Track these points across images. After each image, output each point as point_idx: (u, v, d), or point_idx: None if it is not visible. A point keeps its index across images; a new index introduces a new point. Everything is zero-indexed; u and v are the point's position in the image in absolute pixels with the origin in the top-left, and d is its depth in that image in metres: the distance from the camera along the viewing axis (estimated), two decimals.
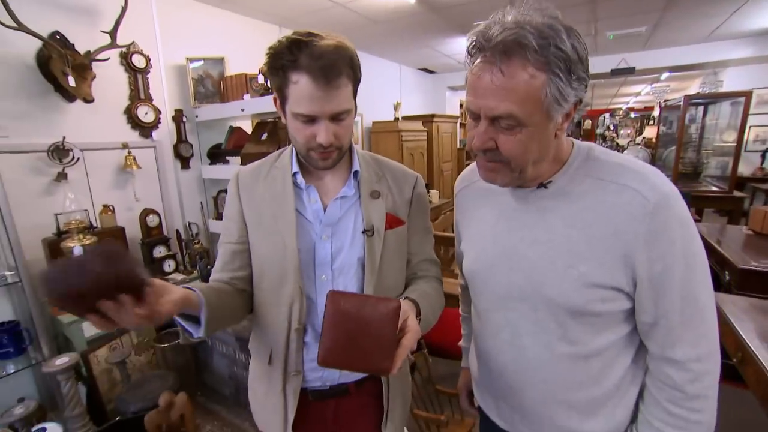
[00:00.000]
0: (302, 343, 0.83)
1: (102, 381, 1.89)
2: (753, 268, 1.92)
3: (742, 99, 4.04)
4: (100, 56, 2.01)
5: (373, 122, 4.41)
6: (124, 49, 2.15)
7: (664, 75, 6.13)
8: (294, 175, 0.84)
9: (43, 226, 1.89)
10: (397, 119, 4.48)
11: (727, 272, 2.06)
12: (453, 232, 0.89)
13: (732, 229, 2.64)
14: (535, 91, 0.56)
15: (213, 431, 1.93)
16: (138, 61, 2.22)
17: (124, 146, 2.19)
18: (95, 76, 2.01)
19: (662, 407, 0.64)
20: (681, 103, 4.46)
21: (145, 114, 2.28)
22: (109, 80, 2.13)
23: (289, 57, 0.69)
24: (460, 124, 6.37)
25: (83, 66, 1.94)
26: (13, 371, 1.70)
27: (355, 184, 0.85)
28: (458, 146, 5.83)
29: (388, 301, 0.62)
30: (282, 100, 0.75)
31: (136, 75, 2.24)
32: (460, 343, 1.06)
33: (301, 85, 0.70)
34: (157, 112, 2.34)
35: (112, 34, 2.02)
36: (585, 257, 0.63)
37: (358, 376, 0.88)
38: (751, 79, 4.95)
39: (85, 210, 2.01)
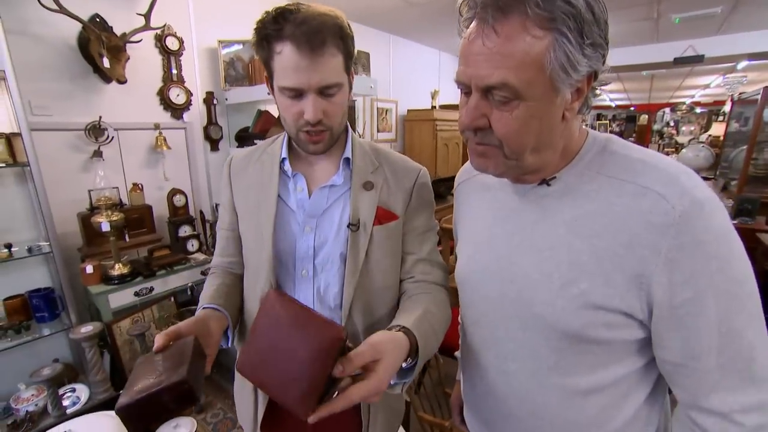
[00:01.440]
0: None
1: (124, 351, 1.98)
2: None
3: None
4: (134, 38, 2.06)
5: (408, 110, 4.30)
6: (158, 32, 2.20)
7: (741, 64, 5.45)
8: (282, 161, 0.79)
9: (79, 201, 2.00)
10: (433, 107, 4.34)
11: None
12: None
13: None
14: (537, 55, 0.45)
15: (223, 409, 1.98)
16: (171, 43, 2.26)
17: (156, 127, 2.25)
18: (129, 58, 2.07)
19: None
20: (759, 96, 3.93)
21: (176, 96, 2.33)
22: (143, 62, 2.18)
23: (273, 27, 0.65)
24: None
25: (117, 48, 2.00)
26: (47, 334, 1.82)
27: (347, 174, 0.78)
28: None
29: (328, 327, 0.49)
30: (269, 74, 0.70)
31: (169, 57, 2.28)
32: (457, 353, 0.96)
33: (284, 54, 0.65)
34: (189, 94, 2.38)
35: (147, 16, 2.06)
36: (588, 272, 0.51)
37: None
38: None
39: (115, 187, 2.09)
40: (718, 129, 6.91)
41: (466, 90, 0.52)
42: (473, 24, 0.48)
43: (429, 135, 4.11)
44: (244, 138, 2.56)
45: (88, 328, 1.77)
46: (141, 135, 2.23)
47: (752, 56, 4.42)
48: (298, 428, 0.84)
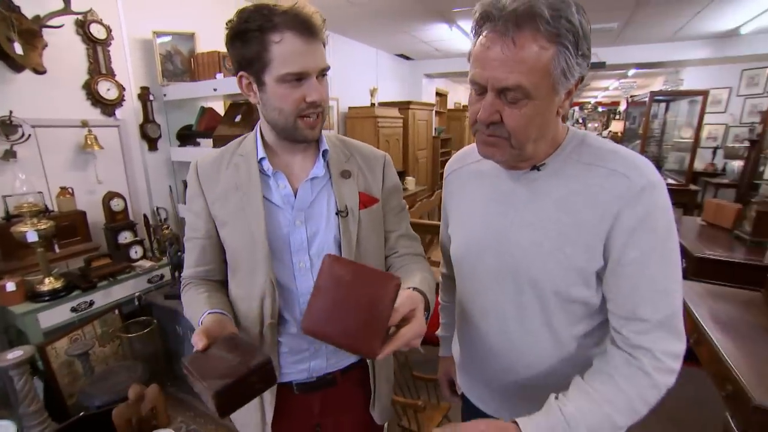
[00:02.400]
0: (276, 339, 0.81)
1: (61, 375, 1.78)
2: (707, 256, 2.06)
3: (700, 98, 4.29)
4: (51, 23, 1.83)
5: (349, 107, 4.34)
6: (80, 17, 1.98)
7: (632, 71, 6.39)
8: (260, 161, 0.80)
9: None
10: (373, 105, 4.42)
11: (684, 260, 2.20)
12: (429, 219, 0.88)
13: (688, 220, 2.82)
14: (545, 63, 0.55)
15: (185, 422, 1.88)
16: (97, 31, 2.05)
17: (84, 124, 2.03)
18: (47, 45, 1.84)
19: (615, 384, 0.60)
20: (646, 99, 4.67)
21: (107, 90, 2.12)
22: (64, 50, 1.95)
23: (264, 19, 0.66)
24: (436, 112, 6.38)
25: (32, 32, 1.77)
26: None
27: (325, 165, 0.82)
28: (434, 134, 5.85)
29: (388, 276, 0.58)
30: (260, 68, 0.70)
31: (96, 47, 2.07)
32: (439, 332, 1.06)
33: (286, 42, 0.67)
34: (121, 88, 2.18)
35: None
36: (572, 240, 0.63)
37: (344, 364, 0.87)
38: (708, 80, 5.25)
39: (40, 192, 1.86)
40: (616, 126, 8.00)
41: (480, 90, 0.60)
42: (491, 34, 0.56)
43: (371, 132, 4.19)
44: (186, 137, 2.42)
45: (17, 354, 1.55)
46: (65, 133, 1.99)
47: (640, 65, 5.23)
48: (313, 414, 0.88)
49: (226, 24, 0.72)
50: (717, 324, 1.37)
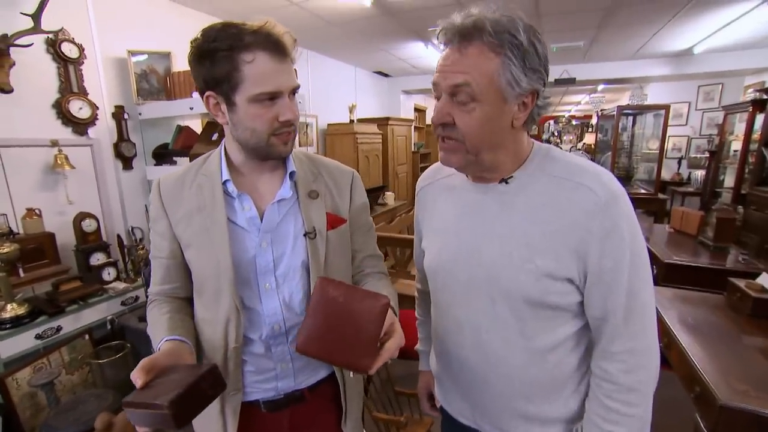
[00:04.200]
0: (241, 360, 0.80)
1: (22, 408, 1.68)
2: (675, 261, 2.16)
3: (663, 111, 4.54)
4: (20, 41, 1.80)
5: (328, 124, 4.37)
6: (51, 36, 1.95)
7: (600, 86, 6.70)
8: (225, 183, 0.78)
9: None
10: (352, 121, 4.48)
11: (654, 266, 2.29)
12: (409, 234, 0.90)
13: (658, 227, 2.95)
14: (491, 71, 0.61)
15: None
16: (69, 50, 2.02)
17: (54, 144, 1.98)
18: (14, 64, 1.80)
19: (600, 402, 0.68)
20: (615, 112, 4.91)
21: (79, 109, 2.08)
22: (34, 69, 1.91)
23: (232, 39, 0.65)
24: (415, 127, 6.50)
25: None
26: None
27: (292, 185, 0.81)
28: (413, 149, 5.95)
29: (377, 297, 0.62)
30: (230, 89, 0.68)
31: (67, 65, 2.03)
32: (417, 347, 1.06)
33: (258, 62, 0.67)
34: (94, 107, 2.14)
35: (36, 17, 1.82)
36: (541, 251, 0.66)
37: (312, 380, 0.86)
38: (669, 95, 5.56)
39: (3, 214, 1.79)
40: (589, 138, 8.31)
41: (438, 95, 0.66)
42: (447, 47, 0.64)
43: (350, 148, 4.22)
44: (163, 155, 2.38)
45: None
46: (33, 153, 1.93)
47: (608, 81, 5.50)
48: None
49: (191, 42, 0.71)
50: (685, 327, 1.43)
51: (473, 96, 0.61)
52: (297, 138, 0.82)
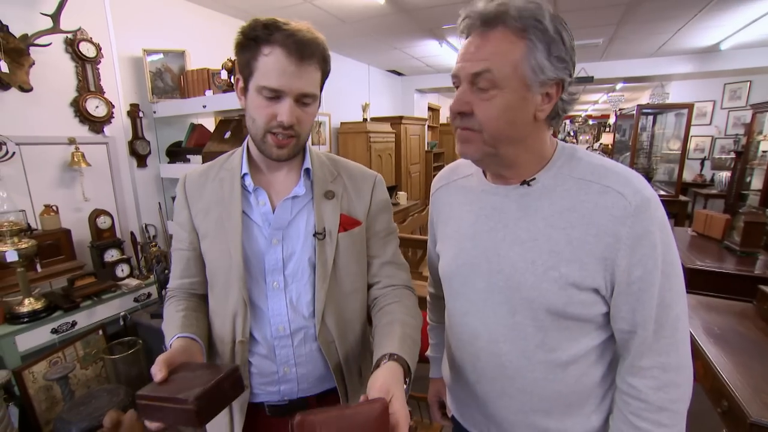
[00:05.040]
0: (247, 357, 0.79)
1: (39, 400, 1.71)
2: (698, 267, 2.06)
3: (685, 110, 4.38)
4: (39, 41, 1.83)
5: (341, 123, 4.37)
6: (69, 36, 1.98)
7: (619, 85, 6.53)
8: (243, 176, 0.80)
9: None
10: (365, 120, 4.46)
11: None
12: (421, 234, 0.86)
13: (679, 231, 2.83)
14: (514, 56, 0.58)
15: None
16: (86, 49, 2.05)
17: (71, 141, 2.01)
18: (34, 63, 1.83)
19: (627, 420, 0.63)
20: (634, 112, 4.76)
21: (95, 107, 2.11)
22: (52, 68, 1.95)
23: (264, 31, 0.68)
24: (429, 126, 6.45)
25: (19, 51, 1.77)
26: None
27: (308, 184, 0.81)
28: (426, 149, 5.89)
29: (370, 405, 0.53)
30: (248, 74, 0.72)
31: (85, 65, 2.07)
32: (428, 353, 1.02)
33: (272, 57, 0.68)
34: (110, 106, 2.17)
35: (55, 17, 1.85)
36: (566, 258, 0.62)
37: (318, 390, 0.84)
38: (692, 93, 5.38)
39: (22, 210, 1.82)
40: (606, 138, 8.12)
41: (458, 83, 0.63)
42: (467, 32, 0.61)
43: (363, 147, 4.21)
44: (176, 153, 2.40)
45: None
46: (52, 150, 1.97)
47: (626, 79, 5.34)
48: None
49: (240, 28, 0.74)
50: (710, 337, 1.36)
51: (494, 82, 0.58)
52: (310, 139, 0.80)
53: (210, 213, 0.80)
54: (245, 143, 0.83)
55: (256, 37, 0.69)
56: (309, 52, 0.69)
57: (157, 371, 0.59)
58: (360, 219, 0.84)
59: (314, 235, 0.78)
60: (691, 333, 1.39)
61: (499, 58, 0.58)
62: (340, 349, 0.81)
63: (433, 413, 1.02)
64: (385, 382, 0.59)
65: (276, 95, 0.70)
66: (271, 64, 0.68)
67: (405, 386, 0.63)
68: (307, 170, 0.81)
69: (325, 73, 0.77)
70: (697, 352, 1.32)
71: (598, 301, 0.63)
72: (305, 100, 0.72)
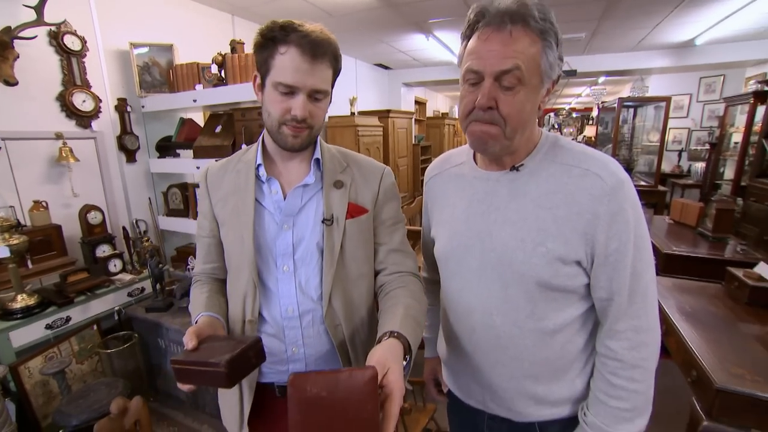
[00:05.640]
0: (257, 335, 0.84)
1: (35, 395, 1.72)
2: (674, 252, 2.18)
3: (663, 103, 4.53)
4: (23, 34, 1.80)
5: (329, 117, 4.37)
6: (53, 29, 1.95)
7: (601, 78, 6.68)
8: (257, 167, 0.85)
9: None
10: (353, 114, 4.47)
11: (654, 257, 2.31)
12: (411, 225, 0.91)
13: (657, 219, 2.96)
14: (535, 55, 0.63)
15: None
16: (71, 42, 2.02)
17: (58, 136, 1.99)
18: (18, 56, 1.81)
19: (605, 379, 0.71)
20: (615, 104, 4.90)
21: (82, 102, 2.09)
22: (37, 62, 1.92)
23: (281, 32, 0.74)
24: (416, 120, 6.48)
25: (3, 44, 1.74)
26: None
27: (318, 174, 0.86)
28: (413, 142, 5.93)
29: (362, 370, 0.55)
30: (265, 72, 0.77)
31: (70, 58, 2.04)
32: (423, 334, 1.08)
33: (288, 55, 0.73)
34: (97, 100, 2.15)
35: (38, 9, 1.82)
36: (552, 235, 0.68)
37: None
38: (670, 87, 5.55)
39: (10, 206, 1.81)
40: (589, 131, 8.29)
41: (475, 80, 0.66)
42: (487, 29, 0.64)
43: (351, 141, 4.22)
44: (166, 148, 2.39)
45: None
46: (39, 145, 1.95)
47: (608, 73, 5.47)
48: (284, 421, 0.89)
49: (258, 29, 0.79)
50: (683, 315, 1.46)
51: (522, 80, 0.63)
52: (321, 133, 0.86)
53: (228, 202, 0.86)
54: (261, 137, 0.89)
55: (273, 38, 0.74)
56: (321, 52, 0.74)
57: (189, 340, 0.66)
58: (367, 207, 0.88)
59: (323, 222, 0.83)
60: (666, 312, 1.49)
61: (525, 56, 0.62)
62: (347, 331, 0.86)
63: (429, 390, 1.08)
64: (383, 356, 0.61)
65: (290, 91, 0.75)
66: (287, 62, 0.73)
67: (405, 363, 0.65)
68: (317, 161, 0.86)
69: (336, 71, 0.82)
70: (670, 329, 1.42)
71: (580, 273, 0.70)
72: (317, 95, 0.78)
